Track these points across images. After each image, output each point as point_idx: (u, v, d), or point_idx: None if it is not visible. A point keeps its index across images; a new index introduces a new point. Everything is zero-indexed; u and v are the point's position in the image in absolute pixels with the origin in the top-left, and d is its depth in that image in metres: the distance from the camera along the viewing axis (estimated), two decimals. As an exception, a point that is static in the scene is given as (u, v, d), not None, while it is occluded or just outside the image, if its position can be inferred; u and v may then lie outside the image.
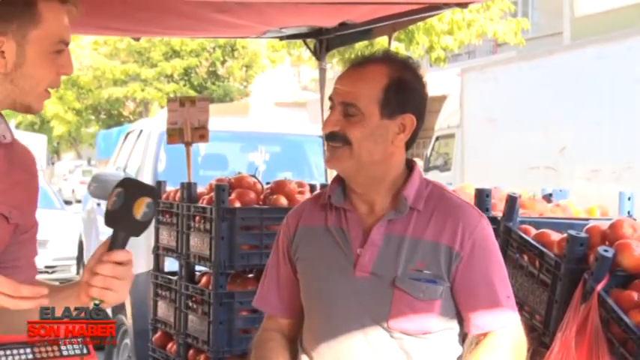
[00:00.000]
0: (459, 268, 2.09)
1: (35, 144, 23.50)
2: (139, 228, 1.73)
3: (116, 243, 1.72)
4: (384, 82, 2.09)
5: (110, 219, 1.73)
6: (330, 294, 2.13)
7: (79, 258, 8.42)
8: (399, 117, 2.10)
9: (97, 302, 1.72)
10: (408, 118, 2.11)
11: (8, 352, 2.01)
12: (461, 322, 2.16)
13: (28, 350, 1.95)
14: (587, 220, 3.21)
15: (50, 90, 1.78)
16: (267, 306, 2.29)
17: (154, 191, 1.79)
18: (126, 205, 1.71)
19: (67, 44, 1.76)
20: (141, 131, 7.14)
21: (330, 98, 2.15)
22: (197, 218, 3.99)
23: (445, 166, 14.64)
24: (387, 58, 2.16)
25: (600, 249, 2.57)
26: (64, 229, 10.45)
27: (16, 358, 1.97)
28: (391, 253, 2.10)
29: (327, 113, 2.20)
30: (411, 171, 2.16)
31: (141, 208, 1.71)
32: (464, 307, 2.12)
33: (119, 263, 1.70)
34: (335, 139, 2.10)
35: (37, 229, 1.91)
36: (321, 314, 2.15)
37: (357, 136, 2.07)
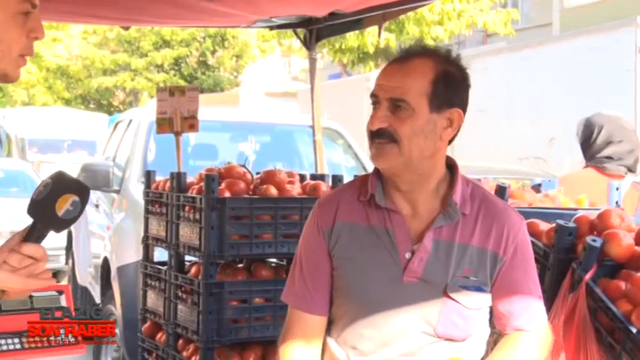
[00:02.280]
0: (501, 271, 2.11)
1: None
2: (59, 224, 1.65)
3: (31, 235, 1.64)
4: (431, 75, 2.05)
5: (31, 208, 1.64)
6: (376, 296, 2.10)
7: (68, 248, 8.39)
8: (446, 111, 2.07)
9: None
10: (456, 112, 2.08)
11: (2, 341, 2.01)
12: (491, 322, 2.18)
13: (16, 340, 1.95)
14: (575, 210, 3.21)
15: (27, 58, 1.72)
16: (314, 307, 2.18)
17: (85, 190, 1.67)
18: (49, 197, 1.63)
19: (34, 6, 1.70)
20: (130, 121, 7.12)
21: (373, 95, 2.09)
22: (187, 208, 3.99)
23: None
24: (430, 51, 2.13)
25: (588, 239, 2.57)
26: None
27: (4, 348, 1.97)
28: (441, 259, 2.08)
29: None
30: (453, 170, 2.14)
31: (65, 204, 1.63)
32: (502, 306, 2.13)
33: (30, 256, 1.61)
34: (382, 136, 2.05)
35: None
36: (365, 314, 2.11)
37: (407, 132, 2.03)
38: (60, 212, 1.63)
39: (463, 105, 2.10)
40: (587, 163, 4.16)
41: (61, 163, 6.00)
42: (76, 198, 1.63)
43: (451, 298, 2.07)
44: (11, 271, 1.60)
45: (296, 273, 2.23)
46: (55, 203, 1.62)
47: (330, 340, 2.18)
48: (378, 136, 2.05)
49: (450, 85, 2.07)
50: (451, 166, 2.15)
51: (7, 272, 1.61)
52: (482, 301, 2.10)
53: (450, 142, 2.12)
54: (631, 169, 4.12)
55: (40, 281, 1.65)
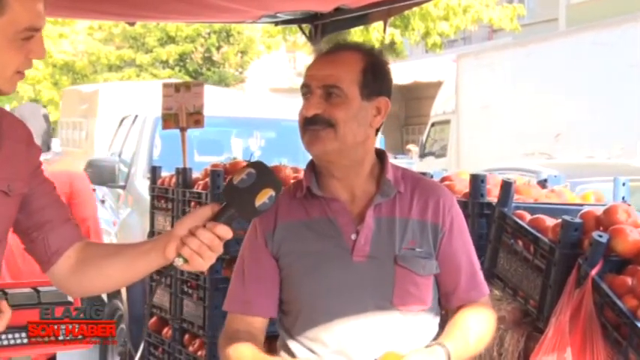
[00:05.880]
0: (442, 243, 2.18)
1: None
2: (251, 214, 1.75)
3: (223, 217, 1.73)
4: (361, 65, 2.15)
5: (230, 194, 1.73)
6: (329, 282, 2.12)
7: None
8: (375, 99, 2.16)
9: (182, 260, 1.72)
10: (383, 100, 2.17)
11: (3, 336, 2.02)
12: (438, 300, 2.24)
13: (24, 334, 1.96)
14: (581, 205, 3.21)
15: (25, 71, 1.74)
16: (255, 308, 2.19)
17: (280, 186, 1.77)
18: (252, 188, 1.72)
19: (37, 30, 1.72)
20: (136, 116, 7.13)
21: (305, 85, 2.17)
22: (192, 203, 3.99)
23: (441, 152, 14.64)
24: (357, 45, 2.24)
25: (594, 234, 2.57)
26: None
27: (11, 342, 1.98)
28: (385, 235, 2.14)
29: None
30: (383, 157, 2.23)
31: (264, 197, 1.72)
32: (448, 279, 2.20)
33: (220, 237, 1.73)
34: (317, 123, 2.12)
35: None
36: (320, 304, 2.14)
37: (341, 117, 2.10)
38: (257, 204, 1.72)
39: (389, 94, 2.20)
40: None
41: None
42: (273, 193, 1.73)
43: (402, 267, 2.13)
44: (199, 247, 1.72)
45: (237, 281, 2.24)
46: (257, 194, 1.71)
47: (289, 342, 2.18)
48: (313, 123, 2.13)
49: (377, 75, 2.16)
50: (381, 154, 2.24)
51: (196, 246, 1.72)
52: (431, 266, 2.17)
53: (377, 130, 2.21)
54: None
55: (211, 261, 1.76)
